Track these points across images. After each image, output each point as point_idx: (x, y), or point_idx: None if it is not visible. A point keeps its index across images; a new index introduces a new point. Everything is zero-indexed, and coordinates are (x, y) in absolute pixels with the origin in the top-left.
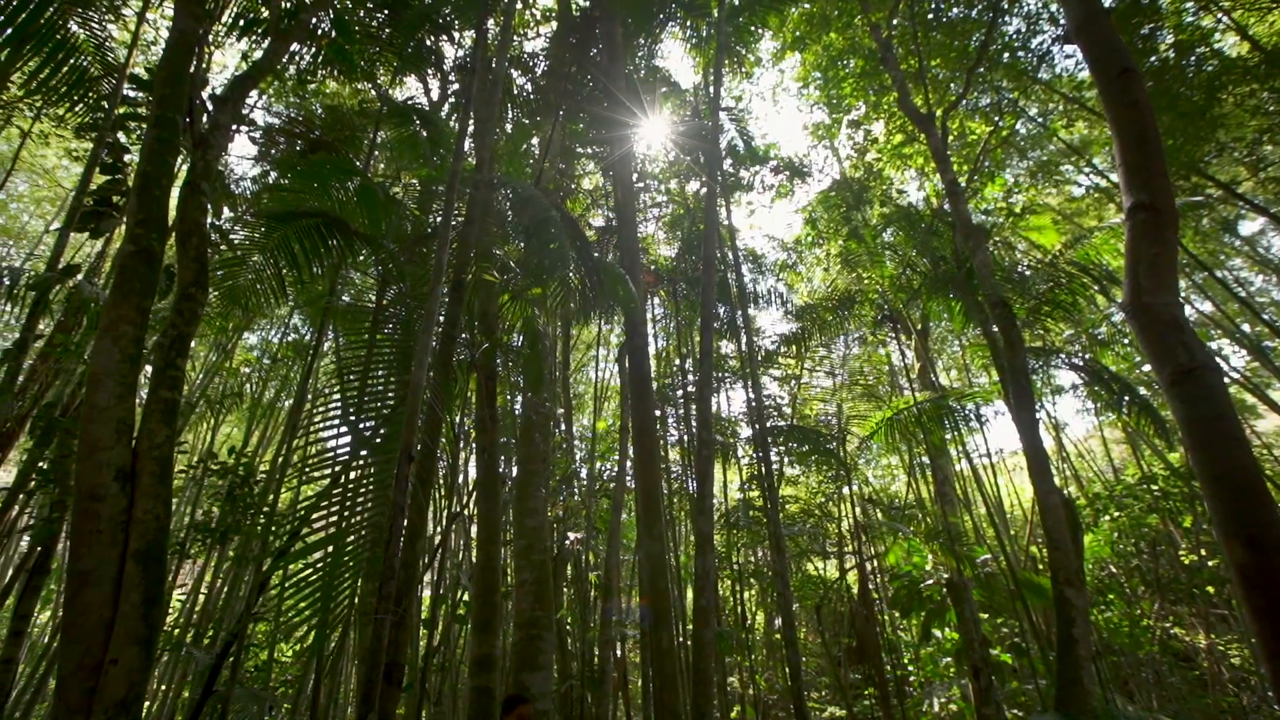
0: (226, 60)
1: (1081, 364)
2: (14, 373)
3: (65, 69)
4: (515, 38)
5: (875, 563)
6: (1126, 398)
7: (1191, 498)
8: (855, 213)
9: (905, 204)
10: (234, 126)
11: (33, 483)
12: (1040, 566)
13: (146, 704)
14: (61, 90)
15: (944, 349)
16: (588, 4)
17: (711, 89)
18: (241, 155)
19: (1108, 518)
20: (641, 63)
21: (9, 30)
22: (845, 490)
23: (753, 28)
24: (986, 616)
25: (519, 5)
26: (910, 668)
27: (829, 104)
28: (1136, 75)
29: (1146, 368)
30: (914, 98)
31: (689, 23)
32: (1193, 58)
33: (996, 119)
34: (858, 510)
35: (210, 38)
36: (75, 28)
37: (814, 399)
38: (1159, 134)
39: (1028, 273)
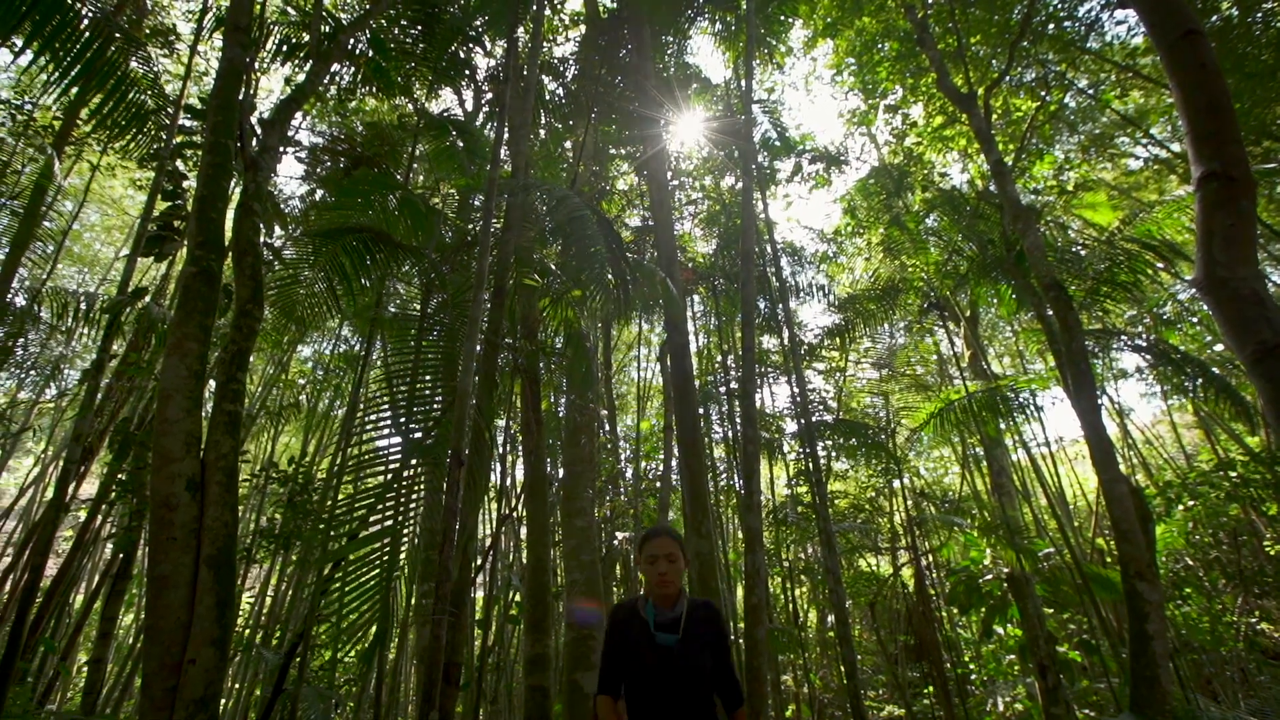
0: (272, 85)
1: (1146, 345)
2: (93, 391)
3: (125, 104)
4: (545, 44)
5: (930, 558)
6: (1199, 379)
7: (1277, 484)
8: (896, 199)
9: (948, 188)
10: (281, 148)
11: (113, 493)
12: (1108, 560)
13: (222, 701)
14: (123, 124)
15: (995, 335)
16: (615, 5)
17: (743, 82)
18: (289, 175)
19: (1181, 507)
20: (671, 60)
21: (77, 68)
22: (896, 484)
23: (782, 17)
24: (1051, 612)
25: (548, 12)
26: (971, 665)
27: (864, 90)
28: (1202, 36)
29: (1219, 347)
30: (953, 77)
31: (717, 17)
32: (1259, 14)
33: (1043, 94)
34: (910, 504)
35: (256, 65)
36: (135, 64)
37: (860, 392)
38: (1229, 98)
39: (1083, 252)
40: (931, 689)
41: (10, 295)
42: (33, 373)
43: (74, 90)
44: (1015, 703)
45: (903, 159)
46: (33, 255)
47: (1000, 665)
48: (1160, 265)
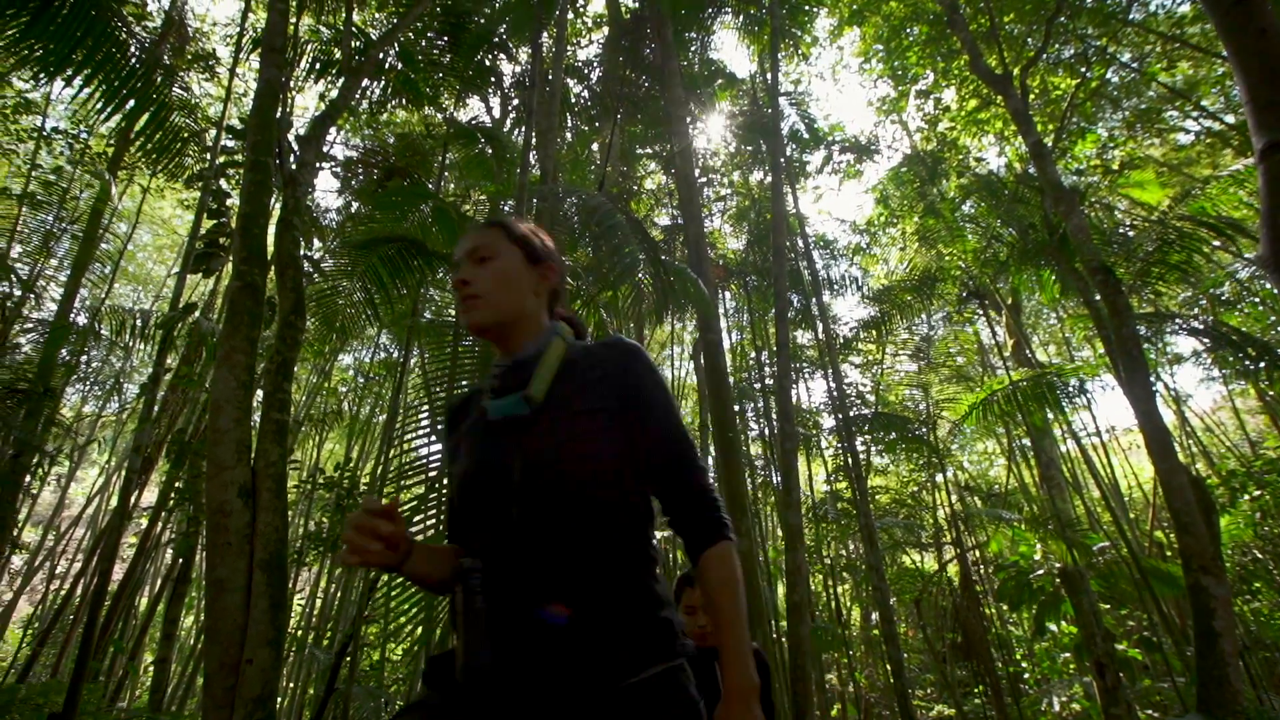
0: (306, 103)
1: (1202, 328)
2: (150, 404)
3: (168, 128)
4: (569, 48)
5: (977, 553)
6: (1263, 362)
7: None
8: (930, 187)
9: (985, 172)
10: (317, 163)
11: (171, 501)
12: (1168, 553)
13: (278, 700)
14: (165, 146)
15: (1039, 323)
16: (637, 5)
17: (768, 75)
18: (325, 189)
19: (1247, 497)
20: (695, 57)
21: (131, 101)
22: (939, 478)
23: (807, 6)
24: (1108, 608)
25: (570, 15)
26: (1024, 664)
27: (894, 76)
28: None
29: None
30: (987, 58)
31: (740, 11)
32: None
33: (1083, 70)
34: (954, 498)
35: (291, 83)
36: (179, 90)
37: (899, 384)
38: None
39: (1131, 233)
40: (982, 688)
41: (73, 314)
42: (96, 388)
43: (119, 117)
44: (1072, 702)
45: (936, 145)
46: (92, 276)
47: (1055, 664)
48: (1216, 243)
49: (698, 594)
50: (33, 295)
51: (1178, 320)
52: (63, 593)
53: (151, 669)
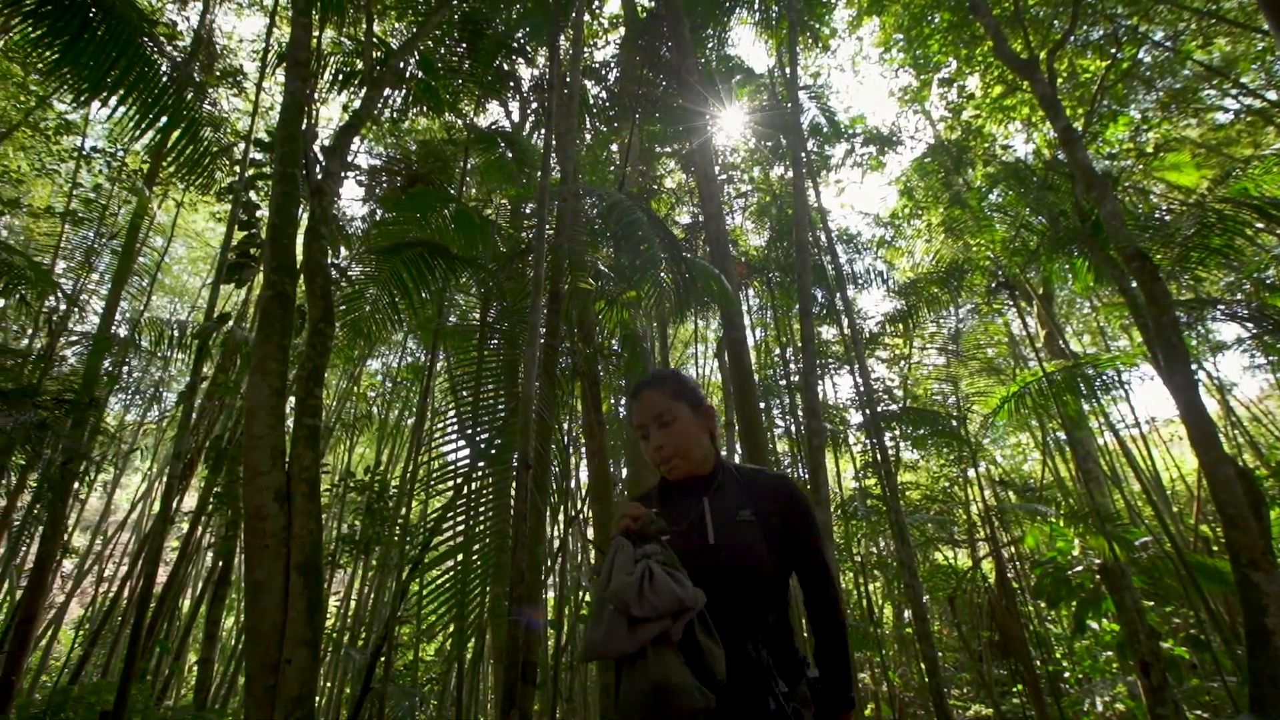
0: (331, 114)
1: (1247, 314)
2: (189, 411)
3: (199, 143)
4: (586, 49)
5: (1013, 549)
6: None
7: None
8: (955, 177)
9: (1012, 160)
10: (342, 172)
11: (210, 506)
12: (1215, 548)
13: (316, 699)
14: (197, 160)
15: (1072, 313)
16: (653, 4)
17: (787, 69)
18: (351, 198)
19: None
20: (712, 54)
21: (164, 118)
22: (971, 473)
23: None
24: (1152, 605)
25: (587, 18)
26: (1064, 663)
27: (915, 65)
28: None
29: None
30: (1012, 43)
31: (756, 5)
32: None
33: (1113, 51)
34: (987, 493)
35: (316, 95)
36: (209, 106)
37: (927, 378)
38: None
39: (1168, 218)
40: (1020, 687)
41: (115, 326)
42: (137, 397)
43: (152, 134)
44: (1115, 702)
45: (960, 134)
46: (131, 289)
47: (1097, 663)
48: (1260, 225)
49: (642, 407)
50: (77, 309)
51: (1220, 306)
52: (110, 595)
53: (196, 669)
